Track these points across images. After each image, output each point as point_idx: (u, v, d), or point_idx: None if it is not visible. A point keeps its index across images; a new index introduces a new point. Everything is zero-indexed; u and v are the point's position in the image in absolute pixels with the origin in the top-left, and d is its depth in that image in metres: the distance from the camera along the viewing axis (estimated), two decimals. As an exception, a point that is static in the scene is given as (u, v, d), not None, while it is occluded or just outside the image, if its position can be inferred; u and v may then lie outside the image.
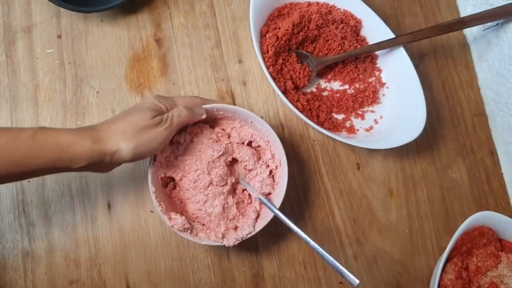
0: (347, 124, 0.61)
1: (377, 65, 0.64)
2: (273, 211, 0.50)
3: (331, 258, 0.44)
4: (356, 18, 0.63)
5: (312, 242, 0.46)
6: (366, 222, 0.59)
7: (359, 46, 0.62)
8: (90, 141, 0.41)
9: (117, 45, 0.63)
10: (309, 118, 0.55)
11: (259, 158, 0.55)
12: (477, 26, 0.63)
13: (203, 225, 0.52)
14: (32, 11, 0.63)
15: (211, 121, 0.56)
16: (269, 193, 0.54)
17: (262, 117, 0.54)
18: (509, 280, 0.53)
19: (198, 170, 0.52)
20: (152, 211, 0.57)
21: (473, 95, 0.65)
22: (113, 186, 0.58)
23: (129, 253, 0.56)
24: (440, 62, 0.66)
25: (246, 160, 0.54)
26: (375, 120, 0.61)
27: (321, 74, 0.64)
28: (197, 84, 0.62)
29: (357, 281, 0.42)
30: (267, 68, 0.57)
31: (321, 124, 0.59)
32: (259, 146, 0.56)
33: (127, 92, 0.61)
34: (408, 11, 0.68)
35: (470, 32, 0.66)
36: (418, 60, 0.65)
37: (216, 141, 0.54)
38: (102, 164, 0.43)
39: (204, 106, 0.53)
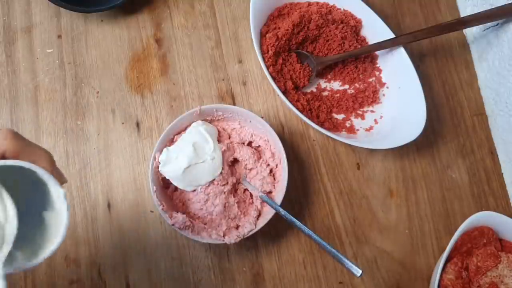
0: (347, 124, 0.61)
1: (377, 65, 0.64)
2: (274, 208, 0.50)
3: (333, 249, 0.44)
4: (356, 18, 0.63)
5: (314, 235, 0.46)
6: (366, 222, 0.59)
7: (359, 46, 0.62)
8: None
9: (117, 45, 0.63)
10: (309, 118, 0.55)
11: (259, 158, 0.55)
12: (477, 26, 0.63)
13: (205, 224, 0.52)
14: (32, 11, 0.63)
15: (211, 122, 0.56)
16: (270, 192, 0.54)
17: (262, 117, 0.54)
18: (509, 280, 0.53)
19: (198, 170, 0.52)
20: (152, 211, 0.57)
21: (473, 95, 0.65)
22: (113, 186, 0.58)
23: (129, 253, 0.56)
24: (440, 62, 0.66)
25: (246, 159, 0.54)
26: (375, 120, 0.61)
27: (321, 74, 0.64)
28: (197, 84, 0.62)
29: (360, 271, 0.42)
30: (267, 68, 0.57)
31: (321, 124, 0.59)
32: (259, 146, 0.56)
33: (127, 92, 0.61)
34: (408, 11, 0.68)
35: (470, 32, 0.66)
36: (418, 60, 0.65)
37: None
38: None
39: (203, 106, 0.53)
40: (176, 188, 0.54)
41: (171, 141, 0.54)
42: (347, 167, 0.61)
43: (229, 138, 0.56)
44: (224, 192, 0.52)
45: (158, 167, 0.51)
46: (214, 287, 0.56)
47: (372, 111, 0.62)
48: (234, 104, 0.62)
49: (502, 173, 0.63)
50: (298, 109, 0.56)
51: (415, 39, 0.58)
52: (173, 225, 0.49)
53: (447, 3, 0.68)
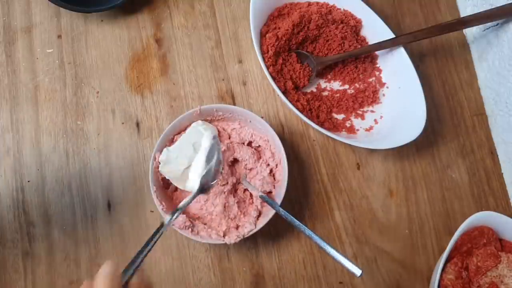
0: (347, 124, 0.61)
1: (377, 65, 0.64)
2: (274, 208, 0.50)
3: (333, 249, 0.44)
4: (356, 18, 0.63)
5: (314, 235, 0.46)
6: (366, 222, 0.59)
7: (359, 46, 0.62)
8: None
9: (117, 45, 0.63)
10: (309, 118, 0.55)
11: (259, 158, 0.55)
12: (477, 26, 0.63)
13: (205, 224, 0.52)
14: (32, 11, 0.63)
15: (211, 122, 0.56)
16: (270, 192, 0.54)
17: (262, 117, 0.54)
18: (509, 280, 0.53)
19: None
20: (152, 211, 0.57)
21: (473, 95, 0.65)
22: (113, 186, 0.58)
23: (129, 253, 0.56)
24: (440, 62, 0.66)
25: (246, 159, 0.54)
26: (375, 120, 0.61)
27: (321, 74, 0.64)
28: (197, 84, 0.62)
29: (360, 271, 0.42)
30: (267, 68, 0.57)
31: (321, 124, 0.59)
32: (259, 146, 0.56)
33: (127, 92, 0.61)
34: (408, 11, 0.68)
35: (470, 32, 0.66)
36: (418, 60, 0.65)
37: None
38: None
39: (203, 106, 0.53)
40: (176, 188, 0.54)
41: (171, 141, 0.54)
42: (347, 167, 0.61)
43: (229, 138, 0.56)
44: (224, 192, 0.52)
45: (158, 167, 0.51)
46: (214, 287, 0.56)
47: (372, 111, 0.62)
48: (234, 104, 0.62)
49: (502, 173, 0.63)
50: (298, 109, 0.56)
51: (415, 39, 0.58)
52: (173, 225, 0.49)
53: (447, 3, 0.68)
